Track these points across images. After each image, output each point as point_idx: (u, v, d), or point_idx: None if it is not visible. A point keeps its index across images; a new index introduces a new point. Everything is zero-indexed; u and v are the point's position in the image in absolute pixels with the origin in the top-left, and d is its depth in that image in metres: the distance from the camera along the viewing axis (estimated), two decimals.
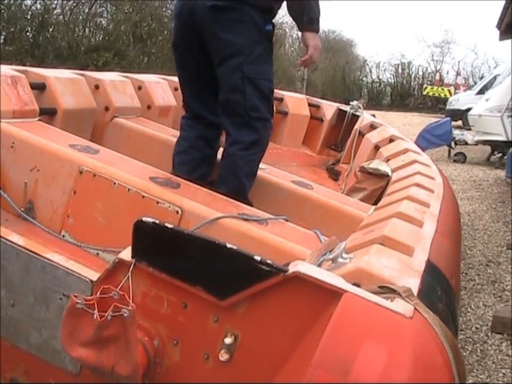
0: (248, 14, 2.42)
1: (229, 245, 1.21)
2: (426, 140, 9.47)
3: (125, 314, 1.21)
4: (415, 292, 1.31)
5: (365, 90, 29.27)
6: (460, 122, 15.37)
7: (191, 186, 2.42)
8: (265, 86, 2.51)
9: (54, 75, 2.93)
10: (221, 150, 2.75)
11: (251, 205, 2.44)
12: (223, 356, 1.24)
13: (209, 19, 2.41)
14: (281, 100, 4.94)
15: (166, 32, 20.06)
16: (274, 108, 4.76)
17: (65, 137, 2.53)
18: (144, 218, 1.28)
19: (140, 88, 3.54)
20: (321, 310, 1.17)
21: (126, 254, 1.33)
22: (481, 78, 23.68)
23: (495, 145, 10.30)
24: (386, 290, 1.23)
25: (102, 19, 19.06)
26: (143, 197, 2.16)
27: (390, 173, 3.46)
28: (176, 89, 3.90)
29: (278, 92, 4.66)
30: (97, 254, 2.15)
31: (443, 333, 1.14)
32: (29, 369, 1.55)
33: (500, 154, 10.26)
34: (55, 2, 17.25)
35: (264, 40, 2.51)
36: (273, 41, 2.60)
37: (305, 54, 2.63)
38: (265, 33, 2.50)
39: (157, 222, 1.28)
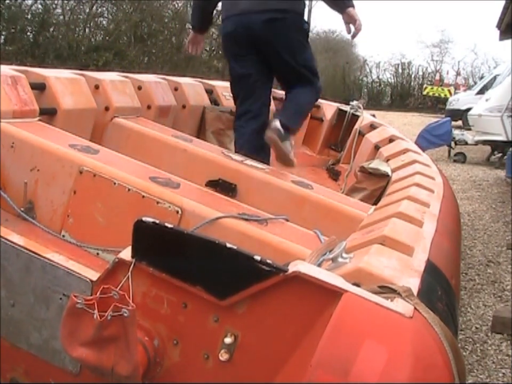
0: (293, 20, 3.10)
1: (229, 245, 1.21)
2: (426, 140, 9.47)
3: (125, 314, 1.21)
4: (415, 291, 1.31)
5: (365, 90, 29.26)
6: (459, 122, 15.37)
7: (191, 186, 2.42)
8: (312, 64, 3.33)
9: (54, 75, 2.93)
10: None
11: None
12: (223, 356, 1.24)
13: (265, 30, 3.00)
14: (280, 99, 4.94)
15: (166, 32, 20.09)
16: (274, 109, 4.78)
17: (65, 137, 2.53)
18: (144, 218, 1.28)
19: (139, 88, 3.54)
20: (321, 310, 1.17)
21: (126, 254, 1.33)
22: (481, 78, 23.66)
23: (495, 145, 10.30)
24: (386, 290, 1.23)
25: (102, 19, 19.08)
26: (143, 196, 2.16)
27: (390, 173, 3.46)
28: (176, 89, 3.91)
29: (278, 92, 4.66)
30: (97, 254, 2.15)
31: (443, 333, 1.14)
32: (29, 369, 1.55)
33: (500, 154, 10.26)
34: (56, 2, 17.25)
35: (305, 35, 3.25)
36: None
37: (353, 28, 3.23)
38: (305, 31, 3.24)
39: (157, 222, 1.28)
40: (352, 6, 3.19)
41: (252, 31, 3.03)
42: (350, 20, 3.22)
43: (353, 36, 3.28)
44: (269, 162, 3.28)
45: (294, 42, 3.13)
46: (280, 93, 4.33)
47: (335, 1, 3.24)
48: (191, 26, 3.94)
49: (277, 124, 3.00)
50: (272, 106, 3.64)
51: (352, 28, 3.22)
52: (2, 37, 15.91)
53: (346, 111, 5.04)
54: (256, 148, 3.22)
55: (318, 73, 3.39)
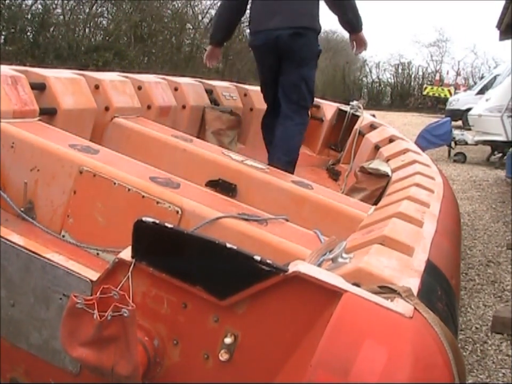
0: (312, 37, 3.60)
1: (229, 245, 1.21)
2: (426, 140, 9.47)
3: (125, 314, 1.21)
4: (415, 291, 1.31)
5: (365, 90, 29.26)
6: (460, 122, 15.37)
7: (191, 186, 2.42)
8: (312, 84, 3.71)
9: (54, 75, 2.93)
10: None
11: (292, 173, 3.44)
12: (223, 356, 1.24)
13: (289, 42, 3.51)
14: None
15: (166, 33, 20.09)
16: None
17: (65, 137, 2.53)
18: (144, 218, 1.28)
19: (139, 88, 3.54)
20: (321, 310, 1.17)
21: (126, 254, 1.33)
22: (481, 78, 23.67)
23: (495, 145, 10.29)
24: (386, 290, 1.23)
25: (102, 19, 19.07)
26: (143, 196, 2.16)
27: (390, 173, 3.46)
28: (176, 89, 3.91)
29: None
30: (97, 254, 2.15)
31: (443, 333, 1.14)
32: (29, 369, 1.55)
33: (500, 154, 10.25)
34: (56, 2, 17.24)
35: (317, 54, 3.71)
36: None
37: (361, 47, 3.78)
38: (318, 51, 3.71)
39: (157, 222, 1.28)
40: (362, 29, 3.73)
41: (278, 43, 3.54)
42: (359, 42, 3.76)
43: (357, 53, 3.87)
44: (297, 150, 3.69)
45: (306, 56, 3.61)
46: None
47: (348, 23, 3.69)
48: (210, 40, 4.13)
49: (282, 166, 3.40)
50: None
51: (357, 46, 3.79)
52: (2, 37, 15.91)
53: (346, 111, 5.04)
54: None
55: (313, 94, 3.78)
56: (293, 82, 3.60)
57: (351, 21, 3.66)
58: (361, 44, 3.76)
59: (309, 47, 3.61)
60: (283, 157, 3.53)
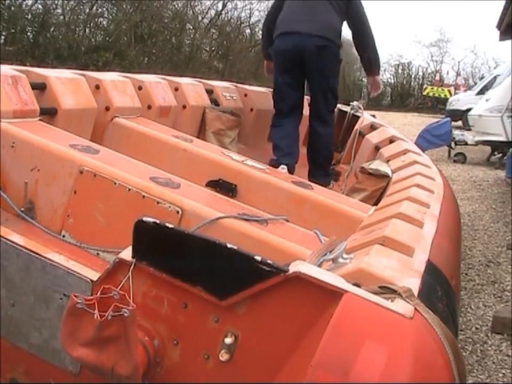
0: (335, 50, 3.88)
1: (229, 245, 1.21)
2: (426, 140, 9.46)
3: (125, 314, 1.21)
4: (415, 292, 1.31)
5: (365, 90, 29.25)
6: (460, 123, 15.36)
7: (191, 186, 2.43)
8: (337, 90, 4.05)
9: (55, 75, 2.93)
10: None
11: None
12: (224, 356, 1.24)
13: (315, 53, 3.77)
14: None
15: (166, 33, 20.08)
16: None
17: (66, 137, 2.53)
18: (144, 218, 1.28)
19: (140, 88, 3.54)
20: (322, 310, 1.17)
21: (127, 254, 1.33)
22: (481, 78, 23.66)
23: (495, 146, 10.29)
24: (387, 290, 1.23)
25: (102, 19, 19.06)
26: (144, 197, 2.16)
27: (390, 174, 3.46)
28: (176, 89, 3.91)
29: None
30: (98, 254, 2.15)
31: (443, 333, 1.15)
32: (29, 369, 1.55)
33: (500, 155, 10.25)
34: (56, 2, 17.24)
35: (339, 65, 4.04)
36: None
37: (376, 89, 4.28)
38: (340, 61, 4.02)
39: (158, 222, 1.28)
40: (378, 73, 4.20)
41: (304, 52, 3.79)
42: (374, 84, 4.21)
43: (373, 94, 4.50)
44: (297, 151, 3.98)
45: (331, 68, 3.94)
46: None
47: (368, 62, 4.12)
48: (265, 56, 4.57)
49: (323, 179, 3.83)
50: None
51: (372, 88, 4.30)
52: (2, 37, 15.88)
53: (346, 112, 5.04)
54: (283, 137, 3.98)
55: (337, 98, 4.13)
56: (321, 90, 3.94)
57: (370, 61, 4.09)
58: (376, 86, 4.23)
59: (334, 59, 3.92)
60: (321, 157, 4.00)
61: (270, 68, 4.41)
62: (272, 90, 4.75)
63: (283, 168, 3.68)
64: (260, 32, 25.43)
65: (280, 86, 4.02)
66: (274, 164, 3.77)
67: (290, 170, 3.76)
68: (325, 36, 3.79)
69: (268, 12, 4.73)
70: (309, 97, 4.31)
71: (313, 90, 4.03)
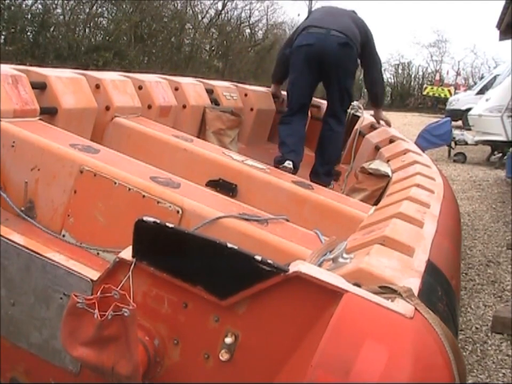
0: (355, 51, 3.96)
1: (229, 245, 1.21)
2: (426, 140, 9.46)
3: (126, 314, 1.21)
4: (415, 292, 1.31)
5: (365, 90, 29.22)
6: (460, 122, 15.36)
7: (191, 186, 2.42)
8: (352, 92, 4.18)
9: (55, 74, 2.93)
10: None
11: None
12: (224, 356, 1.24)
13: (337, 51, 3.84)
14: (282, 100, 4.94)
15: (166, 32, 20.06)
16: (275, 109, 4.79)
17: (66, 137, 2.53)
18: (145, 218, 1.28)
19: (140, 87, 3.54)
20: (322, 310, 1.17)
21: (127, 254, 1.33)
22: (481, 78, 23.69)
23: (495, 145, 10.29)
24: (387, 290, 1.23)
25: (102, 19, 19.04)
26: (144, 196, 2.16)
27: (390, 174, 3.46)
28: (176, 89, 3.91)
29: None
30: (98, 253, 2.15)
31: (443, 333, 1.15)
32: (29, 369, 1.55)
33: (500, 154, 10.25)
34: (56, 2, 17.22)
35: (356, 67, 4.14)
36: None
37: (379, 118, 4.61)
38: (357, 64, 4.15)
39: (158, 221, 1.28)
40: (380, 107, 4.56)
41: (326, 48, 3.84)
42: (377, 115, 4.56)
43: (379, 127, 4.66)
44: (302, 150, 4.01)
45: (350, 68, 4.03)
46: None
47: (374, 96, 4.49)
48: (273, 81, 4.90)
49: (324, 179, 3.93)
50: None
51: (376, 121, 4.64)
52: (2, 37, 15.86)
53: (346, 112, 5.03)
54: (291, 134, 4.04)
55: (352, 100, 4.33)
56: (339, 88, 4.04)
57: (377, 96, 4.48)
58: (378, 117, 4.59)
59: (353, 59, 4.03)
60: (325, 180, 4.01)
61: (278, 91, 4.85)
62: (269, 89, 4.82)
63: (289, 164, 3.72)
64: (260, 32, 25.53)
65: (294, 84, 4.07)
66: (280, 160, 3.81)
67: (296, 167, 3.80)
68: (347, 34, 3.89)
69: (288, 37, 4.91)
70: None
71: (330, 89, 4.11)
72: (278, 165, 3.74)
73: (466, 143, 10.65)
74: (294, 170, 3.78)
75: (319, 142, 4.21)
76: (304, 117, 4.14)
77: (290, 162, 3.75)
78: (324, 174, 4.03)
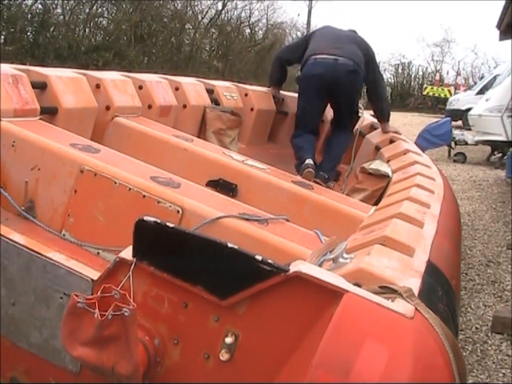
0: (361, 76, 4.11)
1: (230, 245, 1.21)
2: (426, 140, 9.45)
3: (126, 314, 1.21)
4: (415, 292, 1.31)
5: (365, 90, 29.20)
6: (459, 122, 15.35)
7: (192, 186, 2.42)
8: (357, 110, 4.43)
9: (55, 74, 2.93)
10: None
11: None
12: (224, 356, 1.24)
13: (346, 78, 4.01)
14: (282, 100, 4.94)
15: (166, 32, 20.05)
16: (275, 109, 4.78)
17: (66, 136, 2.53)
18: (145, 218, 1.28)
19: (140, 87, 3.54)
20: (322, 310, 1.17)
21: (127, 253, 1.33)
22: (481, 78, 23.66)
23: (495, 145, 10.29)
24: (387, 290, 1.23)
25: (102, 19, 19.03)
26: (144, 196, 2.16)
27: (390, 174, 3.46)
28: (177, 88, 3.91)
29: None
30: (98, 253, 2.15)
31: (444, 333, 1.15)
32: (29, 368, 1.55)
33: (500, 154, 10.25)
34: (56, 2, 17.21)
35: (361, 89, 4.46)
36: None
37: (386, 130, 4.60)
38: (362, 87, 4.41)
39: (158, 221, 1.28)
40: (387, 121, 4.59)
41: (335, 77, 3.99)
42: (384, 129, 4.59)
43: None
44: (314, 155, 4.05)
45: (355, 92, 4.28)
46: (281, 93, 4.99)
47: (379, 112, 4.54)
48: (272, 83, 4.93)
49: (324, 176, 3.91)
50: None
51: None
52: (2, 37, 15.84)
53: None
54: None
55: (358, 115, 4.51)
56: (347, 108, 4.25)
57: (383, 112, 4.53)
58: (385, 129, 4.62)
59: (360, 83, 4.26)
60: (328, 175, 4.05)
61: (278, 93, 4.90)
62: (269, 89, 4.82)
63: (309, 161, 3.78)
64: (260, 32, 25.53)
65: (305, 110, 4.21)
66: (300, 160, 3.91)
67: (313, 167, 3.83)
68: (355, 59, 4.06)
69: (289, 44, 5.42)
70: None
71: (338, 109, 4.32)
72: (300, 171, 3.75)
73: (466, 143, 10.65)
74: (313, 170, 3.88)
75: (326, 143, 4.36)
76: (314, 134, 4.26)
77: (310, 160, 3.81)
78: (329, 169, 4.08)
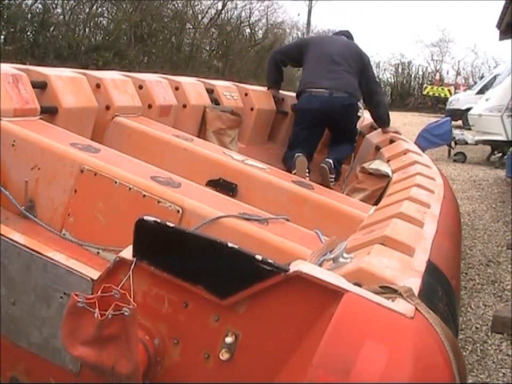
0: (356, 104, 4.28)
1: (230, 244, 1.21)
2: (426, 140, 9.45)
3: (126, 313, 1.21)
4: (416, 292, 1.31)
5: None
6: (459, 122, 15.36)
7: (192, 185, 2.43)
8: (355, 131, 4.48)
9: (55, 74, 2.93)
10: None
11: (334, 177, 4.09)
12: (224, 355, 1.24)
13: (342, 111, 4.11)
14: (282, 100, 4.94)
15: (166, 32, 20.05)
16: (275, 109, 4.78)
17: (66, 136, 2.53)
18: (145, 217, 1.28)
19: (140, 87, 3.54)
20: (322, 309, 1.17)
21: (127, 253, 1.33)
22: (481, 77, 23.66)
23: (495, 145, 10.30)
24: (387, 290, 1.23)
25: (102, 19, 19.03)
26: (144, 196, 2.16)
27: (390, 174, 3.46)
28: (177, 88, 3.91)
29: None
30: (98, 253, 2.15)
31: (444, 333, 1.15)
32: (29, 368, 1.55)
33: (500, 154, 10.26)
34: (56, 2, 17.21)
35: (357, 113, 4.45)
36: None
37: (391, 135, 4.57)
38: (358, 111, 4.46)
39: (158, 221, 1.28)
40: (389, 125, 4.57)
41: (331, 112, 4.08)
42: (386, 133, 4.53)
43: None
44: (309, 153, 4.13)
45: (352, 119, 4.36)
46: (281, 93, 4.97)
47: (379, 118, 4.51)
48: (269, 84, 4.90)
49: (330, 161, 4.01)
50: None
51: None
52: (2, 36, 15.84)
53: None
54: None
55: (357, 134, 4.53)
56: (345, 135, 4.32)
57: (382, 118, 4.50)
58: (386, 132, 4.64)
59: (356, 112, 4.37)
60: (335, 164, 4.12)
61: (277, 94, 4.86)
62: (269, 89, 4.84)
63: (298, 155, 3.89)
64: (260, 31, 25.52)
65: (301, 138, 4.23)
66: (290, 155, 4.03)
67: (305, 156, 3.93)
68: (349, 91, 4.13)
69: (284, 47, 5.30)
70: None
71: (336, 136, 4.39)
72: (292, 164, 3.84)
73: (466, 143, 10.65)
74: (308, 157, 3.98)
75: (332, 140, 4.41)
76: (309, 156, 4.22)
77: (300, 154, 3.88)
78: (334, 163, 4.08)
